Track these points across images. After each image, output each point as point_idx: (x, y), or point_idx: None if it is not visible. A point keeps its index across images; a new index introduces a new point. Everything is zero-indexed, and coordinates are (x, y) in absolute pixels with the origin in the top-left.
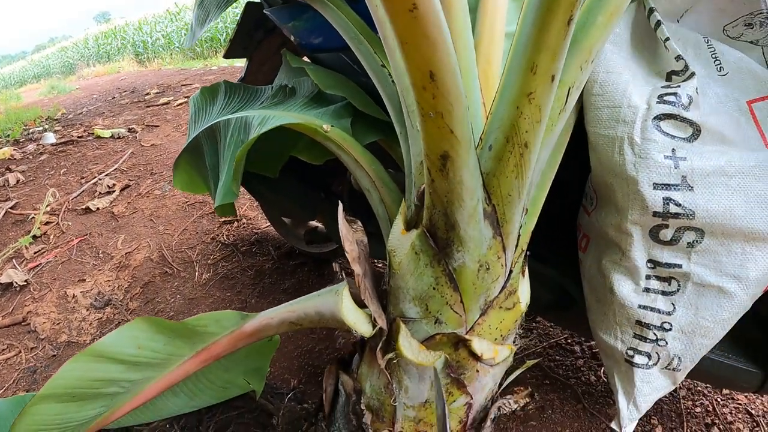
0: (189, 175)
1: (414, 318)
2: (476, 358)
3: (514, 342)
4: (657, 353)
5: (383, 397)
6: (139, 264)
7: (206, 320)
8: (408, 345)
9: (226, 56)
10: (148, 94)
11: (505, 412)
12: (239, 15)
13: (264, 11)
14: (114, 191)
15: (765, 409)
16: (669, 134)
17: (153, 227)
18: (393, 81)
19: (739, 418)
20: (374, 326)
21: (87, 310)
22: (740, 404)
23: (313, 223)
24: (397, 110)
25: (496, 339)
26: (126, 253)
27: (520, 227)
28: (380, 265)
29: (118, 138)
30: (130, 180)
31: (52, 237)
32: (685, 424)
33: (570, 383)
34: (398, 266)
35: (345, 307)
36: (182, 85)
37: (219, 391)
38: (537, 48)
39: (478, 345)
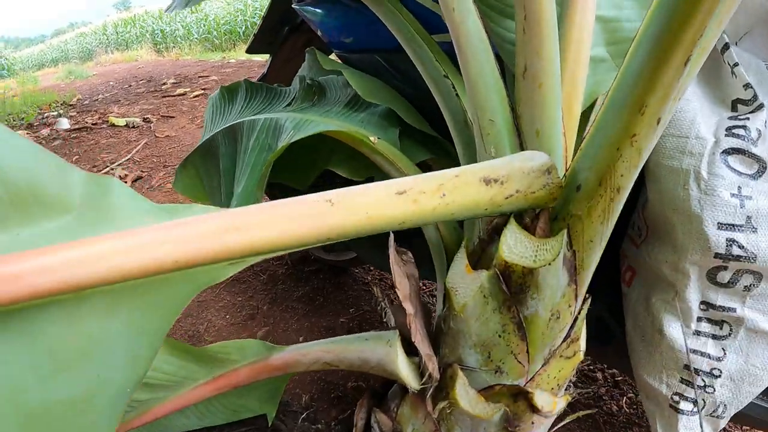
0: (192, 179)
1: (473, 367)
2: (534, 410)
3: (568, 389)
4: (703, 400)
5: None
6: None
7: (230, 348)
8: (465, 395)
9: (249, 51)
10: (164, 84)
11: None
12: (265, 9)
13: (293, 6)
14: (126, 182)
15: None
16: (736, 170)
17: None
18: (458, 95)
19: None
20: (423, 374)
21: None
22: None
23: None
24: (459, 128)
25: (553, 389)
26: None
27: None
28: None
29: (133, 127)
30: (142, 171)
31: None
32: None
33: (592, 413)
34: (461, 309)
35: (400, 362)
36: (199, 77)
37: (230, 414)
38: (649, 86)
39: (539, 398)
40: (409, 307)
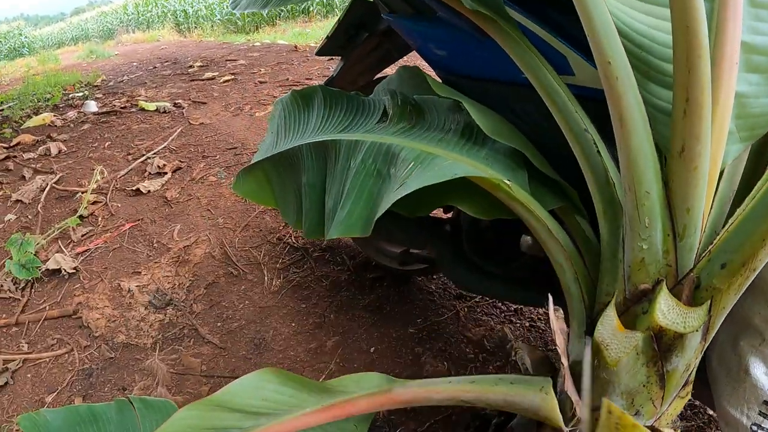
0: (260, 185)
1: None
2: None
3: (675, 422)
4: None
5: None
6: (199, 260)
7: (348, 381)
8: None
9: (320, 53)
10: (191, 66)
11: None
12: (342, 11)
13: (383, 16)
14: (165, 173)
15: None
16: None
17: (211, 219)
18: (599, 152)
19: None
20: (568, 416)
21: (145, 308)
22: None
23: None
24: (601, 185)
25: (669, 423)
26: (184, 246)
27: None
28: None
29: (164, 112)
30: (181, 162)
31: (100, 219)
32: None
33: None
34: (614, 363)
35: (554, 408)
36: (227, 60)
37: None
38: None
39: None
40: (564, 361)
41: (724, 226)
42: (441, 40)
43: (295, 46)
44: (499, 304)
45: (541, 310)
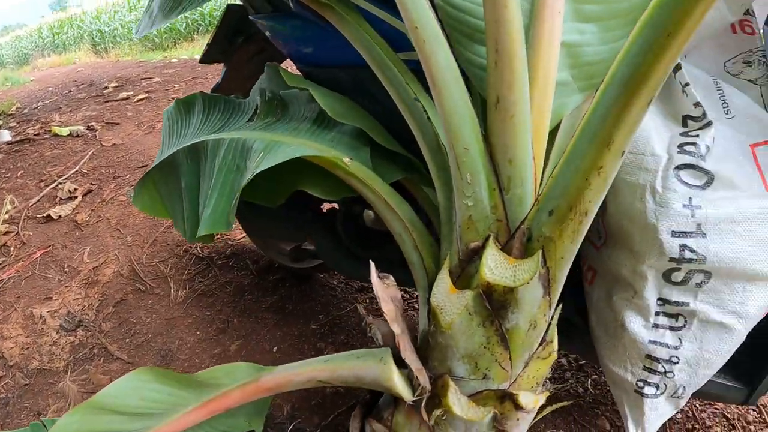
0: (152, 197)
1: (462, 376)
2: (519, 408)
3: (545, 385)
4: (665, 384)
5: None
6: (109, 280)
7: (218, 373)
8: (457, 402)
9: (203, 61)
10: (106, 88)
11: None
12: (219, 19)
13: (250, 17)
14: (76, 197)
15: (739, 412)
16: (687, 183)
17: (120, 238)
18: (429, 119)
19: (717, 422)
20: (414, 385)
21: (57, 332)
22: (717, 409)
23: None
24: (433, 152)
25: (532, 387)
26: (94, 267)
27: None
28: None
29: (77, 136)
30: (92, 184)
31: (12, 249)
32: (668, 430)
33: (560, 396)
34: (449, 326)
35: (395, 378)
36: (142, 79)
37: None
38: (616, 125)
39: (523, 397)
40: (396, 328)
41: None
42: (297, 33)
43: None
44: (401, 292)
45: None
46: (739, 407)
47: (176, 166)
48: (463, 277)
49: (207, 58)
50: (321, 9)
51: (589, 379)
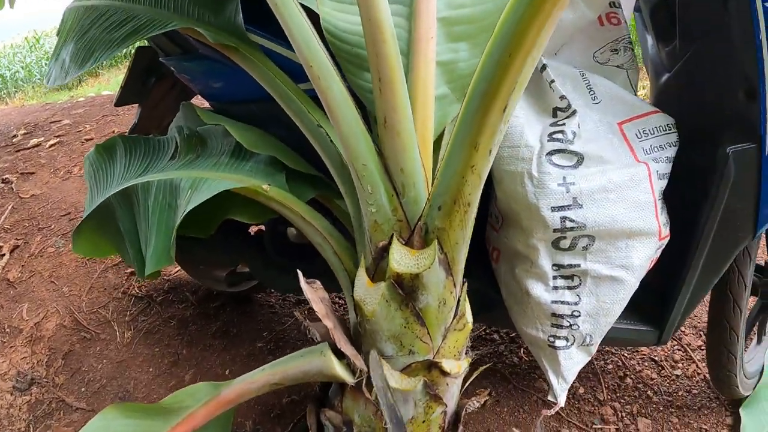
0: (94, 242)
1: (391, 354)
2: (445, 374)
3: (467, 353)
4: (572, 335)
5: (374, 422)
6: (52, 333)
7: (181, 396)
8: (391, 376)
9: (118, 104)
10: (15, 136)
11: (471, 410)
12: (129, 62)
13: (160, 60)
14: (3, 254)
15: (665, 353)
16: (559, 165)
17: (56, 290)
18: (332, 141)
19: (646, 366)
20: (354, 370)
21: (11, 394)
22: (644, 355)
23: None
24: (338, 169)
25: (455, 355)
26: (35, 323)
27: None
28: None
29: None
30: (17, 239)
31: None
32: (602, 380)
33: (497, 368)
34: (372, 314)
35: (335, 365)
36: (51, 122)
37: None
38: (479, 130)
39: (446, 364)
40: (329, 323)
41: None
42: (206, 73)
43: None
44: (338, 299)
45: None
46: (666, 350)
47: (111, 212)
48: (378, 272)
49: (121, 101)
50: (227, 51)
51: (522, 349)
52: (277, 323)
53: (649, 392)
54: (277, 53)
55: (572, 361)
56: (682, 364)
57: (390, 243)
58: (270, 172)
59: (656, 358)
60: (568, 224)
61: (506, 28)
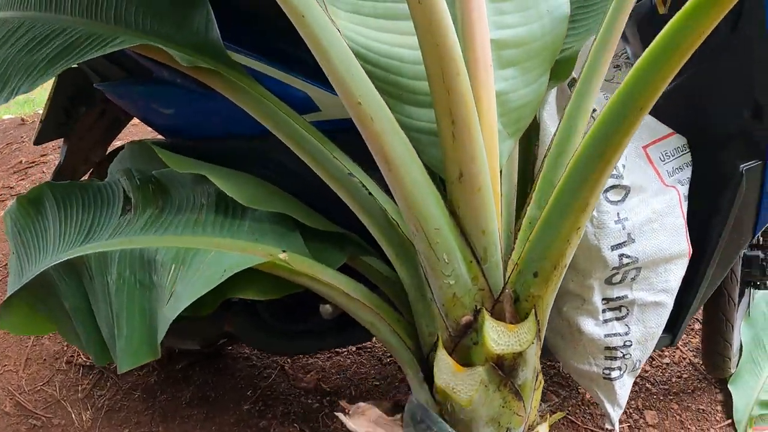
0: (27, 318)
1: None
2: None
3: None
4: (625, 365)
5: None
6: None
7: None
8: None
9: (38, 142)
10: None
11: None
12: (50, 92)
13: (95, 86)
14: None
15: None
16: (613, 201)
17: None
18: (371, 194)
19: None
20: None
21: None
22: None
23: None
24: (384, 228)
25: (535, 415)
26: None
27: None
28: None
29: None
30: None
31: None
32: None
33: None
34: (468, 402)
35: None
36: None
37: None
38: (592, 191)
39: (542, 429)
40: None
41: (517, 226)
42: (165, 102)
43: (22, 119)
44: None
45: None
46: None
47: (50, 286)
48: (459, 350)
49: (42, 138)
50: (205, 77)
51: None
52: (260, 378)
53: (647, 384)
54: (267, 76)
55: (625, 388)
56: (668, 351)
57: (476, 319)
58: (281, 234)
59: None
60: (625, 261)
61: (643, 74)
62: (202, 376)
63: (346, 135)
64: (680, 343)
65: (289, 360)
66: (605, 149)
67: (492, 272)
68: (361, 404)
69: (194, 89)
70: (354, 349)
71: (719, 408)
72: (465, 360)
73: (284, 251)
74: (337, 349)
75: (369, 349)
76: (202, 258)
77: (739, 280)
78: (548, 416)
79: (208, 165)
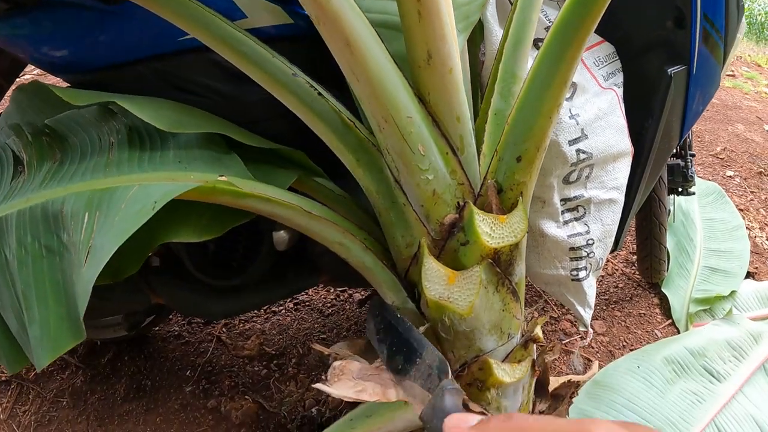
0: None
1: (493, 348)
2: (536, 342)
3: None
4: (590, 263)
5: None
6: None
7: None
8: (503, 373)
9: None
10: None
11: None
12: None
13: None
14: None
15: None
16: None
17: None
18: (320, 94)
19: None
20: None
21: None
22: None
23: None
24: (340, 132)
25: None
26: None
27: None
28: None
29: None
30: None
31: None
32: (548, 300)
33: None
34: (469, 310)
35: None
36: None
37: None
38: (570, 64)
39: (538, 331)
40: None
41: (479, 122)
42: (59, 29)
43: None
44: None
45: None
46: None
47: None
48: (445, 256)
49: None
50: None
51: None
52: (197, 354)
53: None
54: None
55: (592, 288)
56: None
57: (461, 216)
58: (213, 157)
59: None
60: (581, 156)
61: None
62: (132, 366)
63: (279, 44)
64: (610, 256)
65: (224, 329)
66: (584, 17)
67: (470, 164)
68: (336, 348)
69: (97, 6)
70: (291, 305)
71: (657, 311)
72: (454, 265)
73: (221, 176)
74: (273, 308)
75: (307, 303)
76: (122, 195)
77: (666, 185)
78: (536, 320)
79: (116, 94)
